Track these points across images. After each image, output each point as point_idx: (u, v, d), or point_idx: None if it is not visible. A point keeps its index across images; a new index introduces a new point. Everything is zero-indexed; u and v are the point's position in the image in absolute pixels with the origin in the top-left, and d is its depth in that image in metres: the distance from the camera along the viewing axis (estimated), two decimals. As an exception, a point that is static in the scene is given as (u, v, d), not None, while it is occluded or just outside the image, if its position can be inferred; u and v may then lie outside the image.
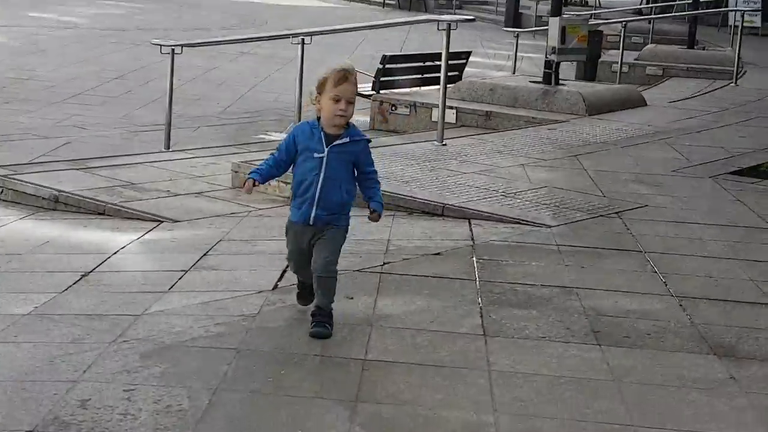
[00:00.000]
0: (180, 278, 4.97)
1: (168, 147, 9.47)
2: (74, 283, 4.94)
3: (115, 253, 5.58)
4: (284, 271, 4.96)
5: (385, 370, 3.78)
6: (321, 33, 9.84)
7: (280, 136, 10.27)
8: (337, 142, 4.06)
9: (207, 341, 4.03)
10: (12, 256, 5.61)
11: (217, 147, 9.69)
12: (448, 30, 8.21)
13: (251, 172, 4.17)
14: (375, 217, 4.16)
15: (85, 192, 6.98)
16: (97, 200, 6.79)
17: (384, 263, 5.12)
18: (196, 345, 3.99)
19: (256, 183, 4.12)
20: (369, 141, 4.20)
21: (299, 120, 9.57)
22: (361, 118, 11.61)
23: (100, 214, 6.67)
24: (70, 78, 14.54)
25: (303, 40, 8.83)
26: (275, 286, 4.73)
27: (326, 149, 4.04)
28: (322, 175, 4.04)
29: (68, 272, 5.15)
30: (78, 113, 11.99)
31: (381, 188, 4.23)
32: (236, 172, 7.25)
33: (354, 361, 3.85)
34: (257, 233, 5.95)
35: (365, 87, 11.29)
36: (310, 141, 4.06)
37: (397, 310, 4.43)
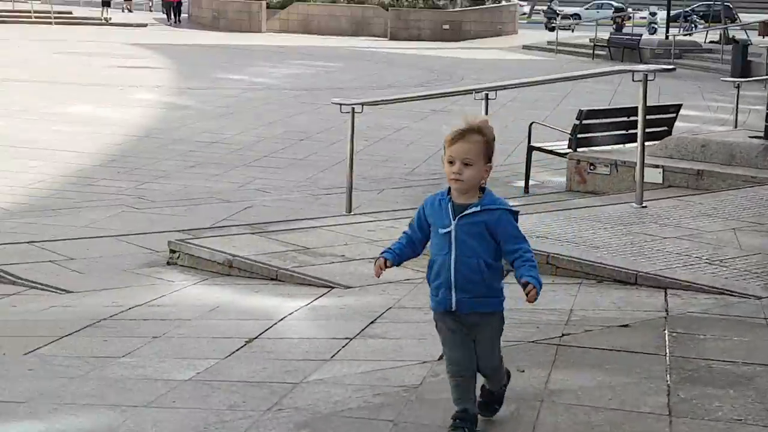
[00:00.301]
0: (344, 346, 5.15)
1: (349, 210, 9.81)
2: (237, 350, 5.20)
3: (282, 319, 5.83)
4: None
5: (554, 450, 3.77)
6: (504, 87, 9.98)
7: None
8: (466, 212, 3.73)
9: (364, 412, 4.15)
10: (182, 321, 5.97)
11: (400, 210, 9.94)
12: (645, 81, 8.15)
13: (384, 251, 3.90)
14: (531, 291, 3.69)
15: (260, 257, 7.33)
16: (270, 265, 7.12)
17: (563, 335, 5.11)
18: (352, 415, 4.12)
19: (389, 263, 3.86)
20: (513, 212, 3.79)
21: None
22: (557, 178, 11.65)
23: (272, 279, 6.99)
24: (257, 140, 15.33)
25: (487, 95, 8.99)
26: (441, 357, 4.81)
27: (453, 222, 3.73)
28: (453, 253, 3.72)
29: (233, 338, 5.43)
30: (262, 176, 12.61)
31: (534, 262, 3.78)
32: (414, 236, 7.41)
33: (519, 438, 3.87)
34: (429, 301, 6.05)
35: (560, 145, 11.31)
36: (438, 214, 3.77)
37: (572, 385, 4.41)
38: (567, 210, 8.27)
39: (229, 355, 5.12)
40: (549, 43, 39.28)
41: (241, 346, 5.26)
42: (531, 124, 11.61)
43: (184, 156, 13.90)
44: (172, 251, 7.81)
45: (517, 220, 3.80)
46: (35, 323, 6.07)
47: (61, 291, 7.01)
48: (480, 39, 43.64)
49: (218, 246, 7.61)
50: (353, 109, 10.19)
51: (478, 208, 3.73)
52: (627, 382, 4.43)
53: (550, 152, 11.45)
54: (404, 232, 3.93)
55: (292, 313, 5.97)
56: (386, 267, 3.87)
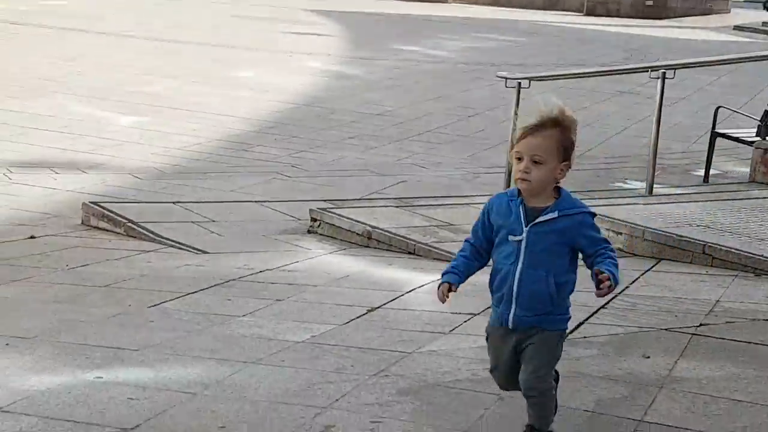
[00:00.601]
0: (466, 321, 5.35)
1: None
2: (357, 317, 5.48)
3: (410, 291, 6.07)
4: (582, 322, 5.17)
5: (661, 435, 3.87)
6: (684, 66, 9.89)
7: (640, 185, 10.38)
8: (541, 218, 3.46)
9: (471, 384, 4.34)
10: (308, 287, 6.29)
11: (561, 193, 10.01)
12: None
13: (444, 273, 3.59)
14: (604, 280, 3.38)
15: (400, 230, 7.60)
16: (409, 239, 7.37)
17: (700, 324, 5.15)
18: (458, 387, 4.32)
19: (454, 287, 3.54)
20: (592, 215, 3.54)
21: (653, 171, 9.63)
22: (742, 168, 11.43)
23: (410, 253, 7.25)
24: (421, 115, 15.60)
25: (664, 74, 8.93)
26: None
27: (525, 229, 3.47)
28: (520, 263, 3.47)
29: (355, 306, 5.71)
30: (421, 151, 12.88)
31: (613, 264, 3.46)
32: (564, 217, 7.51)
33: (627, 421, 3.98)
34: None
35: (748, 133, 11.10)
36: (507, 218, 3.49)
37: (698, 374, 4.47)
38: (739, 200, 8.19)
39: (348, 322, 5.39)
40: (764, 24, 38.01)
41: (362, 314, 5.53)
42: (717, 108, 11.42)
43: (344, 126, 14.32)
44: (314, 219, 8.17)
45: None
46: (166, 279, 6.51)
47: (198, 251, 7.46)
48: (686, 17, 42.62)
49: (359, 217, 7.92)
50: (519, 84, 10.31)
51: (556, 214, 3.46)
52: (758, 375, 4.47)
53: (736, 140, 11.25)
54: (467, 241, 3.64)
55: (422, 286, 6.20)
56: (451, 291, 3.56)
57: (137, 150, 11.84)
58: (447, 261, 6.87)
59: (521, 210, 3.48)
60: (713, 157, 11.13)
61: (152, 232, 7.90)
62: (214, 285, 6.27)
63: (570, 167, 3.51)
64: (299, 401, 4.16)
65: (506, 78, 10.52)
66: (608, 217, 7.21)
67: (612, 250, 3.52)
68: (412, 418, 4.01)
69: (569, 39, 30.15)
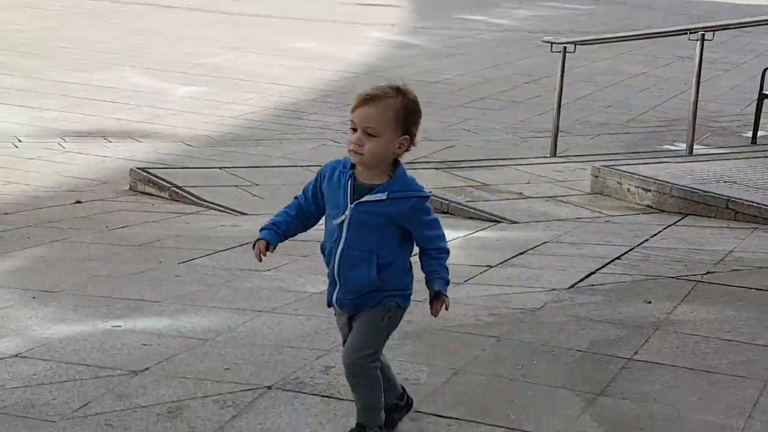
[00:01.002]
0: (481, 273, 5.50)
1: (554, 153, 10.06)
2: (376, 270, 5.64)
3: (432, 246, 6.23)
4: (593, 272, 5.29)
5: (647, 371, 3.99)
6: (723, 28, 9.86)
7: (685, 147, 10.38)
8: (368, 198, 3.17)
9: (472, 328, 4.50)
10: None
11: (606, 154, 10.09)
12: None
13: (262, 228, 3.35)
14: (438, 304, 3.29)
15: (436, 190, 7.73)
16: (443, 198, 7.53)
17: (707, 272, 5.24)
18: (459, 330, 4.48)
19: (271, 247, 3.32)
20: (426, 198, 3.25)
21: (692, 131, 9.64)
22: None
23: (444, 212, 7.41)
24: (478, 82, 15.69)
25: (703, 36, 8.93)
26: (572, 285, 5.07)
27: (350, 207, 3.19)
28: (341, 243, 3.23)
29: (378, 260, 5.88)
30: (473, 117, 12.99)
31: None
32: (596, 177, 7.61)
33: (617, 359, 4.11)
34: (589, 238, 6.29)
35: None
36: (334, 191, 3.23)
37: (694, 317, 4.58)
38: (777, 158, 8.21)
39: (367, 274, 5.56)
40: (842, -14, 37.18)
41: (382, 268, 5.69)
42: (765, 70, 11.34)
43: (399, 95, 14.44)
44: (353, 181, 8.35)
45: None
46: (200, 239, 6.75)
47: (236, 213, 7.70)
48: (762, -19, 41.82)
49: (396, 178, 8.07)
50: (564, 48, 10.41)
51: (384, 196, 3.17)
52: (752, 317, 4.57)
53: (784, 100, 11.17)
54: (296, 198, 3.38)
55: (450, 240, 6.33)
56: (267, 251, 3.34)
57: (192, 119, 12.13)
58: (479, 219, 7.12)
59: (349, 185, 3.20)
60: (761, 118, 11.08)
61: (195, 196, 8.16)
62: (245, 243, 6.47)
63: (412, 142, 3.21)
64: (305, 345, 4.36)
65: (551, 42, 10.62)
66: (638, 174, 7.29)
67: (441, 238, 3.34)
68: (410, 358, 4.18)
69: (636, 6, 29.84)
